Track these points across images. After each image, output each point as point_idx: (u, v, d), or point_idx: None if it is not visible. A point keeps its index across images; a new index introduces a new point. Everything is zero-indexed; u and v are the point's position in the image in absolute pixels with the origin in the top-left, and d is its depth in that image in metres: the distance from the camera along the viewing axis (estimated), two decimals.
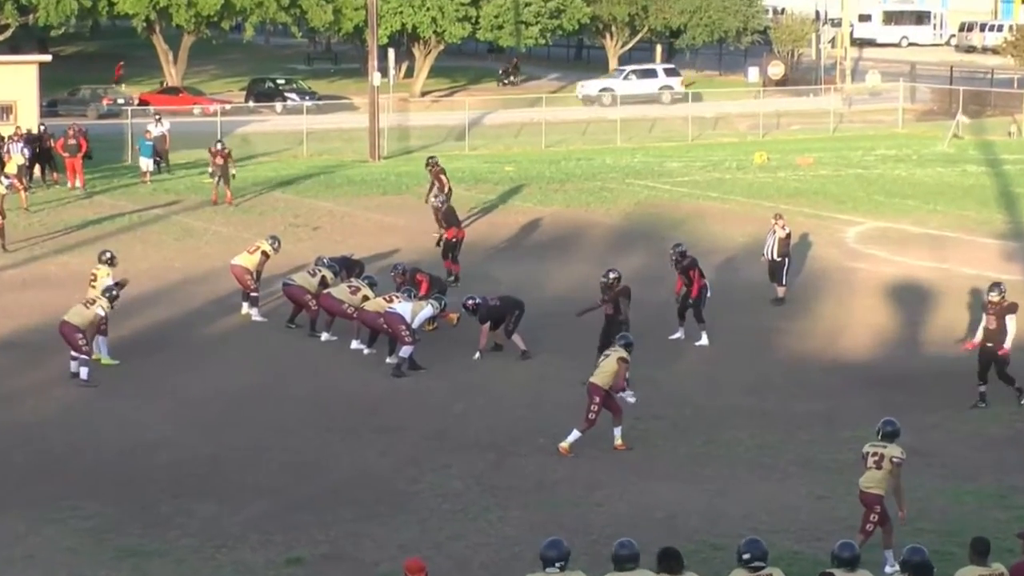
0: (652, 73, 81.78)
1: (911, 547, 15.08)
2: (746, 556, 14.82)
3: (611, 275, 28.12)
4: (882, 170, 52.81)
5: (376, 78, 59.13)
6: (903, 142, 61.11)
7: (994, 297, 25.97)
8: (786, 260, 33.29)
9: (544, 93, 75.74)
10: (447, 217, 36.26)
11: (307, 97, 73.14)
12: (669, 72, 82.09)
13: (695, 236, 38.48)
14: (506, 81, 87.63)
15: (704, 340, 29.78)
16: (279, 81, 79.00)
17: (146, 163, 51.06)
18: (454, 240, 35.44)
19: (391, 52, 73.15)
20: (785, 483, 22.14)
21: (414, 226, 42.41)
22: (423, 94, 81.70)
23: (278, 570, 17.79)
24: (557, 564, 14.28)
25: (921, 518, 20.28)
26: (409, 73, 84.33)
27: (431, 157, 43.17)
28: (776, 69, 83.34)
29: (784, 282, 33.28)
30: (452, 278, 34.43)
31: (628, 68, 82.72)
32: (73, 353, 26.31)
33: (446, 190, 39.77)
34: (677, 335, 30.16)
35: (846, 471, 22.64)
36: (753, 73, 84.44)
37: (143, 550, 19.42)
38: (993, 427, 24.94)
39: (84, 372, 26.15)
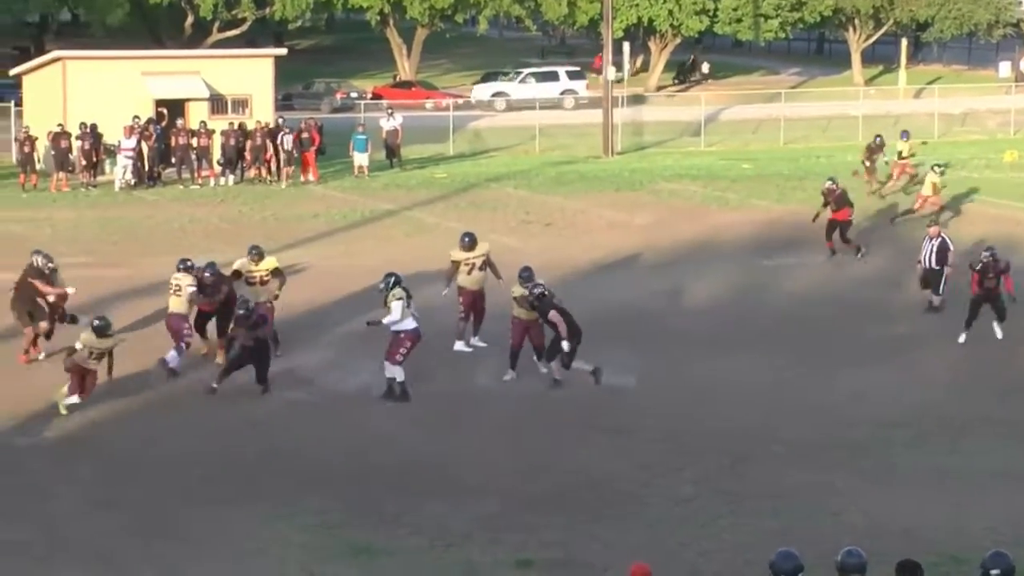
0: (553, 76, 78.17)
1: (995, 552, 14.61)
2: (994, 572, 14.53)
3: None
4: None
5: (611, 72, 59.20)
6: None
7: None
8: (944, 269, 31.98)
9: (783, 88, 75.15)
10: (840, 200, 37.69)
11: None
12: (572, 75, 78.40)
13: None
14: (681, 79, 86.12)
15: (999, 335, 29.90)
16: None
17: (360, 158, 51.58)
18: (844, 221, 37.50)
19: (626, 46, 73.19)
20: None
21: (648, 224, 42.40)
22: (658, 88, 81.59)
23: (507, 571, 17.80)
24: None
25: None
26: (644, 67, 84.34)
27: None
28: None
29: (941, 292, 32.04)
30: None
31: (526, 71, 79.13)
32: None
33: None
34: (962, 339, 29.71)
35: None
36: (1005, 68, 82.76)
37: (372, 547, 19.62)
38: None
39: (173, 358, 27.12)
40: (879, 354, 28.96)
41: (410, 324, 25.54)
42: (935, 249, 31.78)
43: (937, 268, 31.90)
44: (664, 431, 24.19)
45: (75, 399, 24.78)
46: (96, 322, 25.00)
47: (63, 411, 24.64)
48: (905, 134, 48.03)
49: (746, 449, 23.42)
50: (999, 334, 29.50)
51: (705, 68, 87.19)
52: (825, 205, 37.98)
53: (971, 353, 29.13)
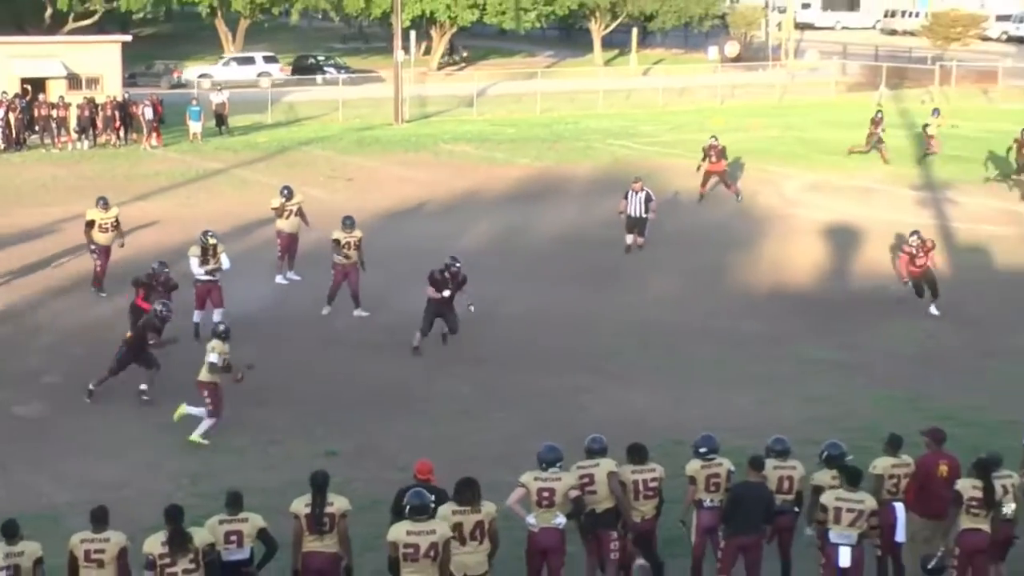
0: (250, 60, 75.23)
1: (831, 442, 15.19)
2: (702, 450, 14.94)
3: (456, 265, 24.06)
4: (818, 133, 52.67)
5: (400, 55, 59.02)
6: (836, 109, 60.93)
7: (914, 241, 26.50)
8: (647, 216, 31.71)
9: (540, 68, 75.47)
10: (720, 154, 38.19)
11: (342, 71, 72.73)
12: (268, 59, 75.65)
13: (662, 185, 38.43)
14: (448, 60, 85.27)
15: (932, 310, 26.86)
16: (319, 58, 78.64)
17: (195, 126, 50.95)
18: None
19: (412, 33, 72.88)
20: (735, 390, 22.25)
21: (431, 179, 42.45)
22: (439, 68, 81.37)
23: (319, 460, 17.88)
24: (556, 465, 14.30)
25: (847, 418, 20.44)
26: (427, 51, 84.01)
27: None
28: (732, 48, 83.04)
29: (644, 235, 31.99)
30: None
31: (228, 56, 76.46)
32: None
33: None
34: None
35: (785, 380, 22.83)
36: (713, 52, 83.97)
37: (209, 445, 19.54)
38: (907, 346, 25.04)
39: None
40: (614, 280, 29.43)
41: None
42: (642, 200, 32.05)
43: (644, 216, 31.98)
44: (447, 346, 24.33)
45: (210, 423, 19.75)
46: (222, 327, 20.12)
47: (202, 442, 19.58)
48: (936, 112, 45.66)
49: (514, 358, 23.70)
50: (935, 312, 26.62)
51: (464, 53, 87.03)
52: (704, 158, 38.30)
53: (684, 277, 29.69)
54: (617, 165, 44.65)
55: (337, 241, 26.16)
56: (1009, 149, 40.23)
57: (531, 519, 14.11)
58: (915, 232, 26.93)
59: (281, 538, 13.55)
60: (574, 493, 14.19)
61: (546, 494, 14.07)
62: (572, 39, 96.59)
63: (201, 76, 70.97)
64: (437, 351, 23.92)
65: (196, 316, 24.62)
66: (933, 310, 26.58)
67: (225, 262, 24.84)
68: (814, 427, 19.67)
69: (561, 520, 14.19)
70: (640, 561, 14.91)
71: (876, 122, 45.25)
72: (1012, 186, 39.78)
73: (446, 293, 23.59)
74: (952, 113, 55.86)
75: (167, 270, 23.67)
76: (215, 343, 19.63)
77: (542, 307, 27.15)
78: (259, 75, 71.31)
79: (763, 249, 32.94)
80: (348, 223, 26.41)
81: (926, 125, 45.09)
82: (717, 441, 15.03)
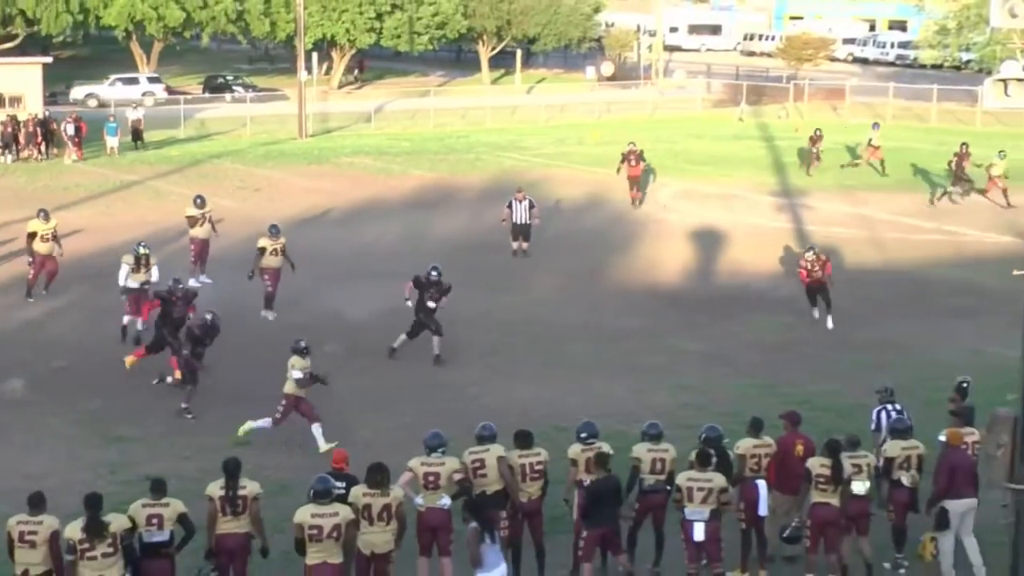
0: (135, 81, 72.52)
1: (709, 426, 15.36)
2: (583, 435, 15.03)
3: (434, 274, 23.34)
4: (686, 144, 53.14)
5: (303, 75, 58.67)
6: (702, 124, 61.51)
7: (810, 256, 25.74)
8: (531, 222, 31.73)
9: (432, 87, 75.35)
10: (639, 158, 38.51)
11: (249, 90, 72.07)
12: (152, 80, 73.16)
13: (545, 193, 38.57)
14: (351, 79, 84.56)
15: (829, 325, 25.74)
16: (228, 77, 77.79)
17: (112, 141, 50.19)
18: None
19: (315, 55, 72.38)
20: (613, 380, 22.39)
21: (333, 189, 42.23)
22: (339, 87, 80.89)
23: (231, 449, 17.72)
24: (440, 450, 14.38)
25: (715, 404, 20.65)
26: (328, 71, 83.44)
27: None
28: (607, 68, 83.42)
29: (529, 240, 31.85)
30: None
31: (114, 76, 73.00)
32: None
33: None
34: (816, 313, 25.96)
35: (658, 371, 23.02)
36: (590, 71, 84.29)
37: (126, 436, 19.32)
38: (767, 338, 25.35)
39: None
40: (502, 281, 29.48)
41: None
42: (525, 208, 31.96)
43: (528, 223, 31.98)
44: (346, 343, 24.18)
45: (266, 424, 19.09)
46: (302, 343, 18.99)
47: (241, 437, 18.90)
48: (1002, 154, 39.20)
49: (413, 353, 23.57)
50: (830, 325, 25.62)
51: (357, 73, 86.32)
52: (623, 162, 38.50)
53: (566, 278, 29.81)
54: (504, 175, 44.70)
55: (263, 248, 26.02)
56: (950, 163, 39.70)
57: (419, 500, 14.17)
58: (811, 247, 26.34)
59: (199, 522, 13.46)
60: (458, 476, 14.27)
61: (432, 477, 14.17)
62: (462, 60, 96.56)
63: (88, 96, 69.61)
64: (344, 347, 23.74)
65: (126, 320, 24.30)
66: (829, 323, 25.60)
67: (155, 274, 24.54)
68: (685, 413, 19.88)
69: (446, 501, 14.26)
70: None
71: (814, 139, 45.07)
72: (946, 195, 39.19)
73: (431, 304, 22.95)
74: (806, 127, 56.67)
75: (181, 285, 22.85)
76: (295, 359, 18.69)
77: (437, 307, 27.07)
78: (143, 94, 69.72)
79: (638, 251, 33.19)
80: (274, 231, 26.35)
81: (870, 140, 44.78)
82: (597, 427, 15.13)
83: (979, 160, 39.02)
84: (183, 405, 20.38)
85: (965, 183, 38.87)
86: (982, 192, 38.42)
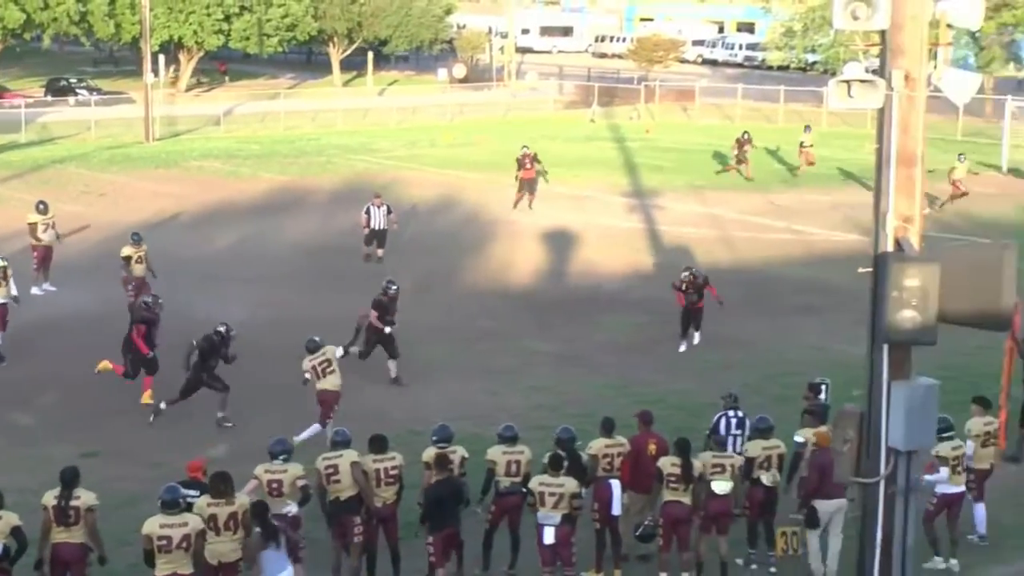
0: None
1: (562, 427, 15.45)
2: (435, 438, 15.02)
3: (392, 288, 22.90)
4: (538, 146, 53.15)
5: (149, 77, 57.72)
6: (554, 125, 61.89)
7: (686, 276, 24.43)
8: (388, 227, 31.48)
9: (282, 89, 74.69)
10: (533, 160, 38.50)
11: (94, 93, 70.70)
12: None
13: (397, 196, 38.44)
14: (208, 81, 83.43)
15: (695, 341, 24.79)
16: (72, 80, 76.27)
17: None
18: None
19: (162, 57, 71.25)
20: (468, 382, 22.41)
21: (182, 192, 41.63)
22: (187, 89, 79.78)
23: (77, 460, 17.34)
24: (281, 457, 14.34)
25: (568, 405, 20.78)
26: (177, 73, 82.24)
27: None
28: (459, 70, 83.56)
29: (384, 245, 31.44)
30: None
31: None
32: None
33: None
34: (683, 348, 24.63)
35: (513, 372, 23.10)
36: (442, 73, 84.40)
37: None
38: (619, 338, 25.59)
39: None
40: (356, 284, 29.23)
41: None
42: (383, 213, 31.65)
43: (385, 228, 31.67)
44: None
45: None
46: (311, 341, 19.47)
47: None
48: (962, 157, 39.47)
49: (266, 359, 23.22)
50: (696, 340, 24.52)
51: (219, 74, 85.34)
52: (520, 168, 38.60)
53: (421, 281, 29.70)
54: (357, 178, 44.49)
55: (128, 257, 25.71)
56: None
57: None
58: (688, 268, 25.04)
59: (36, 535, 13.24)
60: (301, 482, 14.20)
61: (275, 484, 14.14)
62: (313, 62, 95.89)
63: None
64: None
65: None
66: (696, 339, 24.69)
67: (13, 288, 23.99)
68: (539, 414, 19.97)
69: (292, 508, 14.17)
70: None
71: (742, 142, 44.73)
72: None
73: (387, 330, 22.40)
74: (657, 128, 57.41)
75: (161, 301, 22.15)
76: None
77: (290, 311, 26.84)
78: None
79: (492, 253, 33.27)
80: (136, 239, 26.06)
81: (801, 142, 44.82)
82: (451, 430, 15.13)
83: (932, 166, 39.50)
84: (220, 414, 20.10)
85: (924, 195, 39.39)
86: (951, 198, 38.53)
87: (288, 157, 50.42)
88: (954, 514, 15.71)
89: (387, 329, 22.39)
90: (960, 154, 39.89)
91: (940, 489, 15.46)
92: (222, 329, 20.57)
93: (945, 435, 15.41)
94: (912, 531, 11.85)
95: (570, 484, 14.36)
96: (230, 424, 20.12)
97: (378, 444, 14.81)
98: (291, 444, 14.51)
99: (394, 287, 22.90)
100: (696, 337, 24.77)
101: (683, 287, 24.34)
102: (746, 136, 45.00)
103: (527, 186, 38.79)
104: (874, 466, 11.74)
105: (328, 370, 19.39)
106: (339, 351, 19.65)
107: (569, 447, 14.97)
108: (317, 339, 19.55)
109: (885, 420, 11.60)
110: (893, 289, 11.04)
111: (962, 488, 15.72)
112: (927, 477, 14.70)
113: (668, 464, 14.69)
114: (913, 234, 11.51)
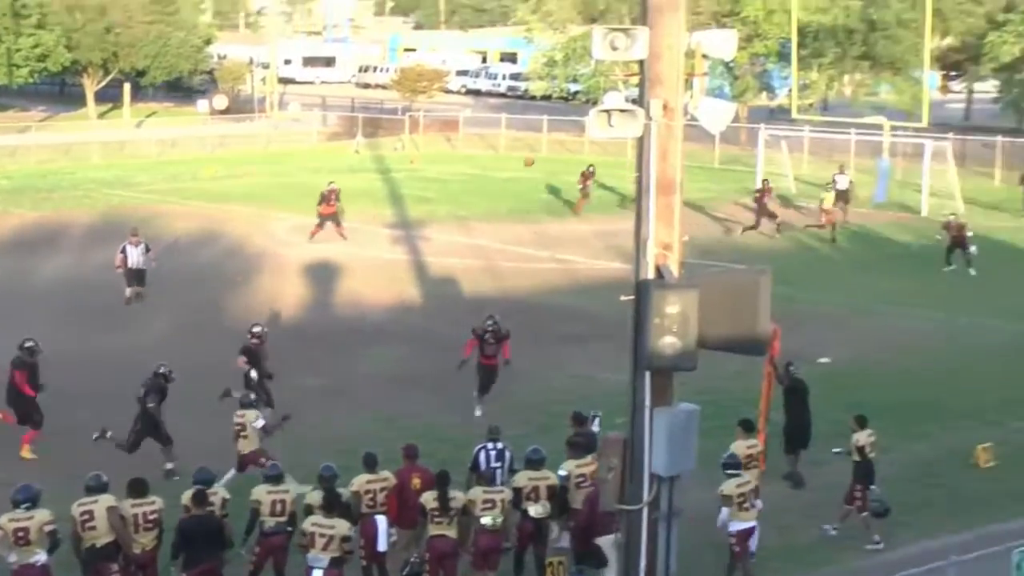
0: None
1: (324, 465, 15.22)
2: (194, 480, 14.64)
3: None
4: (302, 178, 52.85)
5: None
6: (318, 157, 61.46)
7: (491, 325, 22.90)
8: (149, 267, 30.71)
9: (34, 122, 72.44)
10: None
11: None
12: None
13: (158, 231, 37.56)
14: None
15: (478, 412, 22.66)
16: None
17: None
18: None
19: None
20: (230, 420, 21.91)
21: None
22: None
23: None
24: (24, 505, 13.74)
25: (335, 441, 20.51)
26: None
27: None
28: (220, 101, 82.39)
29: (144, 283, 30.62)
30: None
31: None
32: None
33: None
34: (478, 412, 22.57)
35: (279, 408, 22.67)
36: (203, 104, 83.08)
37: None
38: (385, 370, 25.46)
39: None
40: (116, 322, 28.52)
41: None
42: (142, 252, 30.54)
43: (143, 268, 30.52)
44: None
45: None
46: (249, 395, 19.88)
47: None
48: (828, 186, 41.73)
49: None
50: (477, 413, 22.52)
51: None
52: (321, 202, 38.11)
53: (183, 316, 29.10)
54: (114, 212, 43.38)
55: None
56: (755, 199, 40.71)
57: (11, 558, 13.47)
58: (491, 316, 23.40)
59: None
60: (49, 527, 13.68)
61: (21, 533, 13.56)
62: (66, 94, 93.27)
63: None
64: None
65: None
66: (477, 412, 22.55)
67: None
68: (303, 450, 19.64)
69: (40, 557, 13.60)
70: None
71: (587, 176, 44.58)
72: (751, 230, 39.84)
73: (253, 374, 21.71)
74: (422, 159, 57.58)
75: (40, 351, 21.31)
76: (250, 413, 18.90)
77: (50, 350, 25.85)
78: None
79: (258, 286, 32.86)
80: None
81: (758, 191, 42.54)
82: (212, 473, 14.81)
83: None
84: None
85: (772, 218, 40.30)
86: (818, 226, 40.08)
87: (42, 192, 48.88)
88: (743, 549, 15.82)
89: (252, 374, 21.72)
90: (828, 183, 41.86)
91: (732, 527, 15.62)
92: (163, 371, 20.14)
93: (731, 472, 15.64)
94: (675, 558, 11.95)
95: (341, 526, 14.15)
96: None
97: (137, 488, 14.35)
98: (36, 491, 13.87)
99: (257, 328, 22.42)
100: (477, 410, 22.62)
101: (483, 335, 22.77)
102: (591, 170, 45.19)
103: (330, 219, 38.28)
104: (637, 493, 11.85)
105: (242, 434, 18.73)
106: (259, 422, 18.88)
107: (330, 486, 14.74)
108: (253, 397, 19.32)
109: (648, 446, 11.71)
110: (654, 316, 11.16)
111: (753, 523, 15.85)
112: (720, 517, 15.01)
113: (430, 499, 14.61)
114: (673, 261, 11.67)
